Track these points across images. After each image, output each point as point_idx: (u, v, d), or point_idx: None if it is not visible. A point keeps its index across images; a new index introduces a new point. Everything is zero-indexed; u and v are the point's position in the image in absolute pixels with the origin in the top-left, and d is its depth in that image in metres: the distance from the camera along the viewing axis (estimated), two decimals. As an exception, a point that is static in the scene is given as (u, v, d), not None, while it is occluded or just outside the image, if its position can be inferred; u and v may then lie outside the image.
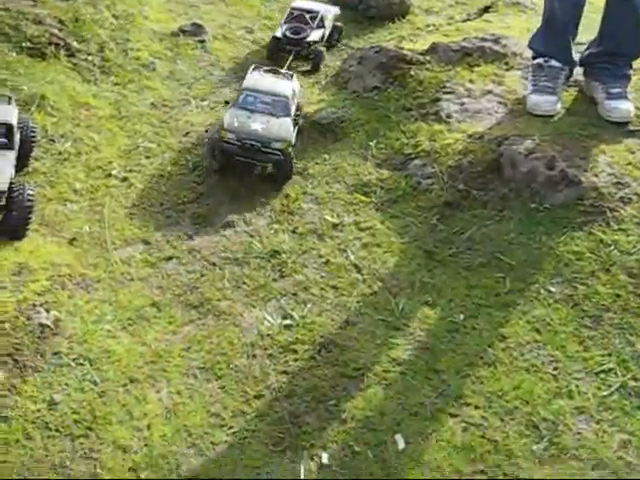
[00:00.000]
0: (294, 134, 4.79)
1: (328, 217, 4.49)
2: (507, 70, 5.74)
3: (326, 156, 5.04)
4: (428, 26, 8.08)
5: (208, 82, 6.11)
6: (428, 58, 5.76)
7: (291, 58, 6.23)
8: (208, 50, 6.62)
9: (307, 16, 6.76)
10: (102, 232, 4.19)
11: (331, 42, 7.05)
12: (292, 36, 6.54)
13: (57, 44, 5.75)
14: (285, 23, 6.66)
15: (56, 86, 5.38)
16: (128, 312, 3.70)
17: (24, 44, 5.51)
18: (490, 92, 5.40)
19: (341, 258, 4.18)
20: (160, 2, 7.40)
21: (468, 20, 8.23)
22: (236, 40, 6.96)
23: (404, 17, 8.08)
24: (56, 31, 5.85)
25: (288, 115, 4.63)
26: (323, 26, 6.84)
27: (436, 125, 5.08)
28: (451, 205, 4.48)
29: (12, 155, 3.57)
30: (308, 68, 6.44)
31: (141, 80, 5.90)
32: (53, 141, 4.84)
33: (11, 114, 4.11)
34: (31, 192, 3.87)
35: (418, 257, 4.20)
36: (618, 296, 3.80)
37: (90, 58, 5.87)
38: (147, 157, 4.95)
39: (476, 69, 5.70)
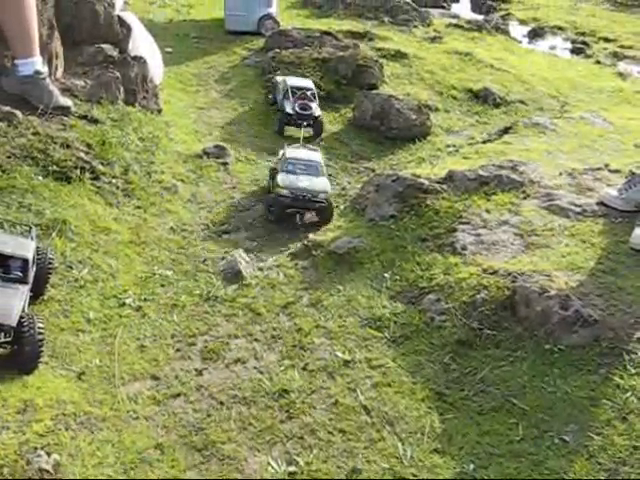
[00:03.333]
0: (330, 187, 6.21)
1: (340, 353, 4.45)
2: (524, 199, 5.79)
3: (340, 287, 5.05)
4: (448, 147, 8.22)
5: (228, 206, 6.22)
6: (445, 187, 5.83)
7: (302, 130, 7.45)
8: (230, 172, 6.77)
9: (308, 93, 7.90)
10: (112, 366, 4.19)
11: None
12: (302, 112, 7.65)
13: (83, 167, 5.90)
14: (288, 101, 7.72)
15: (78, 210, 5.50)
16: (131, 454, 3.64)
17: (50, 168, 5.66)
18: (506, 223, 5.42)
19: (350, 398, 4.12)
20: (187, 123, 7.64)
21: (488, 141, 8.37)
22: (257, 162, 7.12)
23: (425, 138, 8.24)
24: (82, 154, 6.02)
25: (323, 175, 6.25)
26: (315, 100, 7.95)
27: (451, 257, 5.09)
28: (464, 344, 4.43)
29: (26, 289, 3.72)
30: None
31: (162, 203, 6.02)
32: (71, 268, 4.90)
33: (28, 248, 4.19)
34: (41, 326, 3.90)
35: (429, 399, 4.12)
36: (635, 448, 3.67)
37: (114, 181, 6.02)
38: (162, 285, 4.99)
39: (493, 198, 5.75)
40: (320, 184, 6.01)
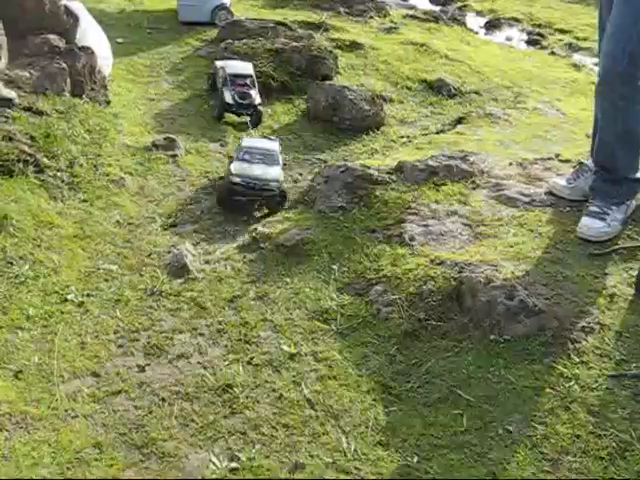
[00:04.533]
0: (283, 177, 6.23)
1: (285, 347, 4.39)
2: (473, 189, 5.77)
3: (288, 280, 4.98)
4: (402, 137, 8.18)
5: (177, 199, 6.12)
6: (394, 177, 5.79)
7: (248, 120, 7.38)
8: (180, 165, 6.66)
9: (247, 80, 7.71)
10: (51, 363, 4.08)
11: None
12: (241, 101, 7.54)
13: (26, 160, 5.77)
14: (227, 88, 7.55)
15: (21, 204, 5.36)
16: (68, 454, 3.55)
17: (-8, 162, 5.50)
18: (455, 213, 5.40)
19: (295, 392, 4.06)
20: (136, 115, 7.51)
21: (442, 132, 8.36)
22: (208, 154, 7.01)
23: (378, 128, 8.19)
24: (26, 147, 5.88)
25: (278, 164, 6.19)
26: (255, 86, 7.78)
27: (399, 248, 5.05)
28: (410, 335, 4.39)
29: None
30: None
31: (109, 197, 5.89)
32: (11, 264, 4.78)
33: (-38, 244, 4.06)
34: (-24, 325, 3.77)
35: (374, 391, 4.08)
36: (578, 437, 3.67)
37: (59, 174, 5.88)
38: (106, 280, 4.88)
39: (442, 189, 5.72)
40: (274, 173, 6.00)
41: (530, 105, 9.20)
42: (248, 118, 7.55)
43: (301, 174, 6.94)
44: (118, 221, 5.62)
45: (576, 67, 12.18)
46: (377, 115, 8.20)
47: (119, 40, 9.19)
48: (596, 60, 12.42)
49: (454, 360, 4.18)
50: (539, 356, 4.11)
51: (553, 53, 12.80)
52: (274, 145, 6.46)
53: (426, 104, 9.22)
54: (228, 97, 7.64)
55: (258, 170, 5.99)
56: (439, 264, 4.74)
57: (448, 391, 4.01)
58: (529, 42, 13.69)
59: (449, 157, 6.12)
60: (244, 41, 8.92)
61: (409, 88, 9.48)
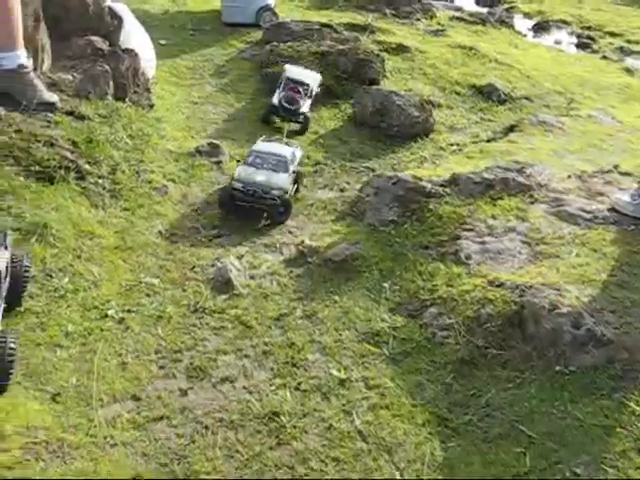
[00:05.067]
0: (291, 186, 5.79)
1: (335, 371, 4.13)
2: (532, 204, 5.46)
3: (337, 298, 4.73)
4: (452, 145, 7.88)
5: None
6: (448, 190, 5.50)
7: (287, 126, 7.15)
8: (224, 171, 6.44)
9: (300, 88, 7.53)
10: (90, 385, 3.87)
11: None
12: (287, 106, 7.35)
13: (67, 167, 5.57)
14: (280, 91, 7.50)
15: (61, 213, 5.17)
16: (106, 487, 3.33)
17: (33, 168, 5.33)
18: (513, 230, 5.10)
19: (345, 423, 3.81)
20: (179, 119, 7.31)
21: (493, 140, 8.03)
22: (253, 160, 6.79)
23: (427, 135, 7.90)
24: (67, 153, 5.69)
25: (287, 172, 5.78)
26: (311, 96, 7.67)
27: (454, 267, 4.77)
28: (468, 363, 4.11)
29: (-3, 303, 3.37)
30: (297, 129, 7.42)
31: (151, 205, 5.69)
32: (51, 276, 4.58)
33: (1, 258, 3.87)
34: (13, 346, 3.58)
35: (430, 423, 3.81)
36: (653, 483, 3.36)
37: (100, 181, 5.69)
38: (148, 295, 4.67)
39: (499, 203, 5.43)
40: (278, 180, 5.65)
41: (584, 112, 8.82)
42: (295, 125, 7.38)
43: (348, 183, 6.67)
44: (160, 231, 5.41)
45: (629, 72, 11.74)
46: (426, 121, 7.90)
47: (162, 42, 9.01)
48: (650, 65, 11.93)
49: (516, 392, 3.89)
50: (608, 391, 3.80)
51: (605, 57, 12.36)
52: (288, 151, 6.10)
53: (476, 110, 8.90)
54: (275, 99, 7.46)
55: (262, 176, 5.67)
56: (498, 286, 4.45)
57: (509, 426, 3.73)
58: (579, 45, 13.26)
59: (505, 169, 5.81)
60: (289, 44, 8.68)
61: (458, 93, 9.16)
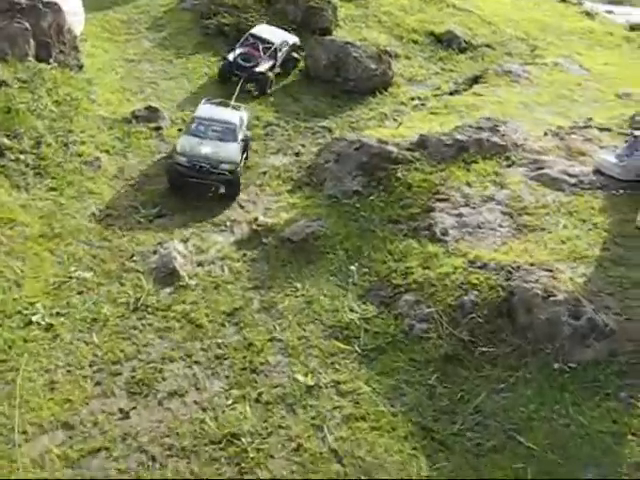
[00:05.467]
0: (241, 157, 5.11)
1: (300, 377, 3.54)
2: (509, 167, 4.90)
3: (298, 285, 4.12)
4: (413, 99, 7.22)
5: (162, 181, 5.19)
6: (417, 155, 4.88)
7: (239, 85, 6.35)
8: (165, 138, 5.70)
9: (260, 46, 6.83)
10: (12, 414, 3.22)
11: (286, 70, 7.09)
12: (242, 63, 6.66)
13: (-19, 142, 4.82)
14: (238, 47, 6.81)
15: (-25, 197, 4.45)
16: None
17: (-60, 144, 4.57)
18: (492, 198, 4.54)
19: (317, 441, 3.23)
20: (113, 80, 6.49)
21: (456, 92, 7.41)
22: (198, 124, 6.07)
23: (386, 89, 7.23)
24: (-17, 126, 4.94)
25: (236, 141, 5.15)
26: (275, 57, 6.89)
27: (430, 245, 4.19)
28: (453, 360, 3.56)
29: None
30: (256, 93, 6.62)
31: (82, 182, 4.94)
32: (-38, 276, 3.89)
33: None
34: None
35: (414, 436, 3.26)
36: (673, 500, 2.89)
37: (22, 157, 4.93)
38: (80, 293, 3.98)
39: (473, 167, 4.85)
40: (226, 152, 4.99)
41: (549, 60, 8.22)
42: (253, 85, 6.63)
43: (304, 145, 6.00)
44: (93, 213, 4.68)
45: (589, 15, 11.17)
46: (384, 74, 7.22)
47: (92, -8, 8.12)
48: (609, 7, 11.40)
49: (509, 395, 3.36)
50: (614, 390, 3.31)
51: (564, 0, 11.76)
52: (236, 116, 5.43)
53: (435, 59, 8.23)
54: (230, 55, 6.80)
55: (208, 147, 5.00)
56: (481, 267, 3.89)
57: (505, 436, 3.21)
58: (536, -13, 12.62)
59: (477, 128, 5.22)
60: (233, -9, 7.88)
61: (416, 42, 8.46)
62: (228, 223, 4.77)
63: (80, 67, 6.30)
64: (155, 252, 4.35)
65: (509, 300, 3.63)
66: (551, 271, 3.74)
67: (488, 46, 8.82)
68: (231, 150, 5.00)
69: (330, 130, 6.35)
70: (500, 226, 4.28)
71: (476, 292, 3.74)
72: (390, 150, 4.83)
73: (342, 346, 3.75)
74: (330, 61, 7.12)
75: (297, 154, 5.87)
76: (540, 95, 7.01)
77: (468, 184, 4.64)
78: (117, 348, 3.67)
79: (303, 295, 4.08)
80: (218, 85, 6.70)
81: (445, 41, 8.68)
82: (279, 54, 6.96)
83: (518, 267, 3.80)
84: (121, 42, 7.38)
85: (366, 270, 4.17)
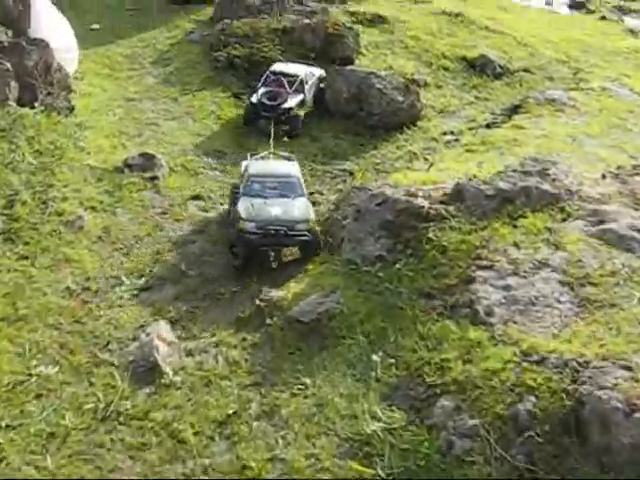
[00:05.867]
0: (312, 211, 4.35)
1: (309, 521, 2.71)
2: (564, 220, 4.01)
3: (308, 380, 3.27)
4: (445, 134, 6.39)
5: (154, 243, 4.42)
6: (453, 210, 4.00)
7: (272, 127, 5.51)
8: (161, 190, 4.94)
9: (285, 80, 6.14)
10: None
11: (316, 106, 6.40)
12: (268, 102, 5.94)
13: (-56, 203, 4.10)
14: (261, 87, 6.10)
15: None
16: None
17: None
18: (546, 264, 3.64)
19: None
20: (109, 123, 5.74)
21: (494, 124, 6.55)
22: (201, 172, 5.29)
23: (415, 123, 6.41)
24: (-53, 184, 4.22)
25: (303, 195, 4.53)
26: (302, 91, 6.18)
27: (471, 329, 3.30)
28: (507, 497, 2.69)
29: None
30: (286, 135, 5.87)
31: (60, 247, 4.16)
32: None
33: None
34: None
35: None
36: None
37: (-8, 219, 4.22)
38: (39, 396, 3.20)
39: (521, 223, 3.96)
40: (298, 210, 4.31)
41: (596, 85, 7.31)
42: (279, 126, 5.83)
43: (321, 193, 5.19)
44: (69, 287, 3.90)
45: (633, 33, 10.27)
46: (412, 106, 6.39)
47: (94, 26, 7.35)
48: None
49: None
50: None
51: (604, 18, 10.84)
52: (291, 168, 4.73)
53: (469, 87, 7.39)
54: (253, 97, 6.05)
55: (277, 208, 4.29)
56: (538, 362, 2.99)
57: None
58: (572, 6, 11.76)
59: (523, 173, 4.32)
60: (244, 20, 7.11)
61: (446, 68, 7.63)
62: (227, 295, 3.97)
63: (71, 110, 5.57)
64: (135, 338, 3.56)
65: (578, 412, 2.74)
66: (631, 369, 2.84)
67: (526, 70, 7.97)
68: (302, 206, 4.36)
69: (351, 173, 5.54)
70: (558, 301, 3.40)
71: (533, 398, 2.86)
72: (420, 205, 3.98)
73: (361, 469, 2.89)
74: (351, 94, 6.33)
75: (314, 203, 5.05)
76: (589, 125, 6.12)
77: (516, 245, 3.76)
78: (76, 474, 2.85)
79: (314, 395, 3.23)
80: (227, 126, 5.94)
81: (478, 66, 7.85)
82: (306, 87, 6.26)
83: (587, 363, 2.91)
84: (122, 79, 6.66)
85: (392, 361, 3.31)
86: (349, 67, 6.69)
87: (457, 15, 8.94)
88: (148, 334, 3.51)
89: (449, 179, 4.64)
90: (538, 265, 3.63)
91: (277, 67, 6.28)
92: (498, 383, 2.98)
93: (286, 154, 4.96)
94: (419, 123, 6.45)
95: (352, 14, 8.28)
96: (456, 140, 6.10)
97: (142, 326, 3.59)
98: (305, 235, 4.11)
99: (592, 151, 5.51)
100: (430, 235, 3.85)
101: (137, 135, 5.69)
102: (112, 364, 3.38)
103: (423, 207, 3.96)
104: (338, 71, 6.58)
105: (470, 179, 4.75)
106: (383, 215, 3.99)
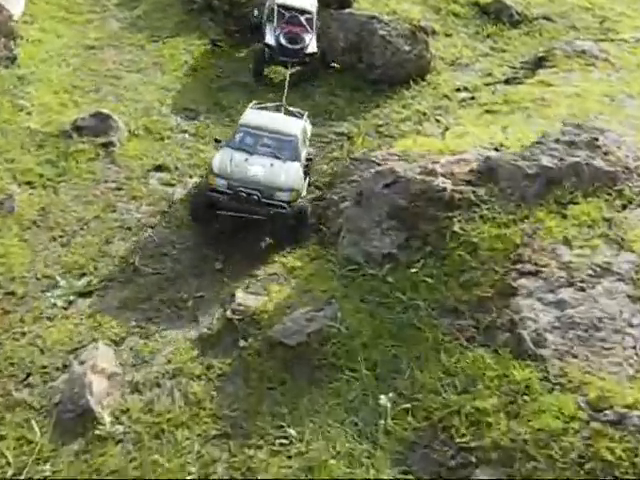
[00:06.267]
0: (303, 182, 3.46)
1: None
2: (624, 207, 3.09)
3: (293, 432, 2.40)
4: (459, 90, 5.39)
5: (102, 229, 3.49)
6: (483, 193, 3.07)
7: (287, 78, 4.67)
8: (116, 159, 3.98)
9: (302, 18, 5.13)
10: None
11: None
12: (289, 45, 4.97)
13: None
14: (276, 26, 5.05)
15: None
16: None
17: None
18: (608, 270, 2.75)
19: None
20: (59, 76, 4.71)
21: (515, 79, 5.57)
22: (168, 135, 4.31)
23: (423, 77, 5.42)
24: None
25: (297, 159, 3.66)
26: (313, 29, 5.18)
27: (515, 364, 2.43)
28: None
29: None
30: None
31: (-21, 238, 3.29)
32: None
33: None
34: None
35: None
36: None
37: None
38: None
39: (571, 211, 3.04)
40: (285, 176, 3.48)
41: (627, 35, 6.34)
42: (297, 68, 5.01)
43: (310, 159, 4.23)
44: (-13, 291, 3.03)
45: (660, -22, 9.18)
46: (421, 57, 5.38)
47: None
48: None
49: None
50: None
51: (626, -40, 9.74)
52: (298, 126, 3.91)
53: (482, 37, 6.35)
54: (269, 37, 5.03)
55: (259, 167, 3.47)
56: (615, 423, 2.12)
57: None
58: (589, -53, 10.61)
59: (567, 144, 3.40)
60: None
61: (457, 14, 6.58)
62: (190, 302, 3.05)
63: (12, 60, 4.55)
64: (65, 366, 2.65)
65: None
66: None
67: (546, 18, 6.93)
68: (291, 172, 3.50)
69: (349, 138, 4.57)
70: (630, 325, 2.50)
71: (608, 474, 1.97)
72: (440, 186, 3.02)
73: None
74: (350, 42, 5.31)
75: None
76: (628, 83, 5.17)
77: (567, 242, 2.84)
78: None
79: (300, 454, 2.34)
80: (202, 79, 4.93)
81: (493, 12, 6.81)
82: (315, 22, 5.27)
83: (686, 426, 2.01)
84: (81, 23, 5.59)
85: (407, 406, 2.42)
86: (347, 11, 5.64)
87: (466, -48, 7.87)
88: (82, 362, 2.60)
89: (470, 147, 3.69)
90: (599, 272, 2.72)
91: None
92: (559, 453, 2.10)
93: (297, 110, 4.18)
94: (428, 77, 5.47)
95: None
96: (472, 98, 5.13)
97: (75, 349, 2.65)
98: (283, 208, 3.31)
99: (636, 114, 4.56)
100: (455, 228, 2.91)
101: (93, 90, 4.68)
102: (31, 406, 2.46)
103: (445, 189, 3.01)
104: (333, 16, 5.56)
105: (496, 149, 3.86)
106: (393, 200, 3.03)
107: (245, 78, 5.02)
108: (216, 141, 3.93)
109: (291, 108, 4.12)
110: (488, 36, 6.39)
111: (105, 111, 4.21)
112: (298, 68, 5.06)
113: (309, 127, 4.04)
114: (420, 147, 3.90)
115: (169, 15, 5.70)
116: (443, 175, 3.12)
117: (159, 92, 4.75)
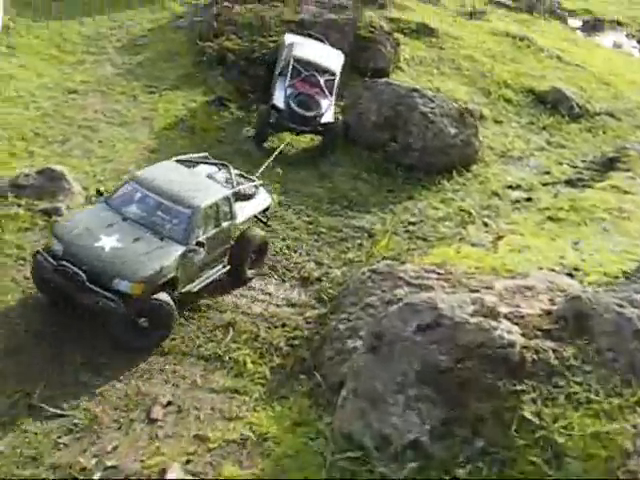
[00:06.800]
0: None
1: None
2: None
3: None
4: (511, 188, 4.37)
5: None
6: (570, 354, 1.95)
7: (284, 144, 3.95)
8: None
9: (321, 78, 4.22)
10: None
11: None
12: (300, 111, 4.06)
13: None
14: (288, 85, 4.15)
15: None
16: None
17: None
18: None
19: None
20: (24, 119, 3.70)
21: (580, 181, 4.51)
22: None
23: (468, 168, 4.40)
24: None
25: (184, 242, 2.58)
26: (332, 92, 4.28)
27: None
28: None
29: None
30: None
31: None
32: None
33: None
34: None
35: None
36: None
37: None
38: None
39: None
40: (140, 260, 2.54)
41: None
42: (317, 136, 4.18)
43: (320, 263, 3.17)
44: None
45: None
46: (468, 144, 4.41)
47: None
48: None
49: None
50: None
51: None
52: (212, 195, 2.86)
53: (537, 128, 5.37)
54: (279, 99, 4.13)
55: (111, 241, 2.49)
56: None
57: None
58: (644, 50, 9.83)
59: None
60: (249, 5, 5.12)
61: (509, 100, 5.60)
62: (98, 475, 1.92)
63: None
64: None
65: None
66: None
67: (610, 115, 5.96)
68: (154, 259, 2.55)
69: (371, 236, 3.48)
70: None
71: None
72: (507, 339, 1.89)
73: None
74: (384, 117, 4.30)
75: (306, 282, 3.02)
76: None
77: None
78: None
79: None
80: (198, 142, 3.91)
81: (550, 102, 5.83)
82: (336, 85, 4.39)
83: None
84: (69, 64, 4.64)
85: None
86: (383, 80, 4.66)
87: (522, 39, 6.95)
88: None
89: (534, 269, 2.59)
90: None
91: (301, 52, 4.34)
92: None
93: (215, 161, 3.22)
94: (474, 168, 4.47)
95: (392, 21, 6.28)
96: (528, 199, 4.08)
97: None
98: (112, 300, 2.45)
99: None
100: (526, 412, 1.76)
101: (59, 141, 3.67)
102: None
103: (513, 345, 1.88)
104: (367, 84, 4.58)
105: (570, 274, 2.75)
106: (430, 353, 1.88)
107: (251, 146, 3.99)
108: (98, 193, 2.92)
109: (214, 161, 3.19)
110: (544, 128, 5.41)
111: (58, 168, 3.18)
112: (315, 140, 4.05)
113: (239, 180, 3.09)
114: (465, 260, 2.81)
115: (174, 65, 4.75)
116: (509, 318, 1.99)
117: (139, 152, 3.73)
